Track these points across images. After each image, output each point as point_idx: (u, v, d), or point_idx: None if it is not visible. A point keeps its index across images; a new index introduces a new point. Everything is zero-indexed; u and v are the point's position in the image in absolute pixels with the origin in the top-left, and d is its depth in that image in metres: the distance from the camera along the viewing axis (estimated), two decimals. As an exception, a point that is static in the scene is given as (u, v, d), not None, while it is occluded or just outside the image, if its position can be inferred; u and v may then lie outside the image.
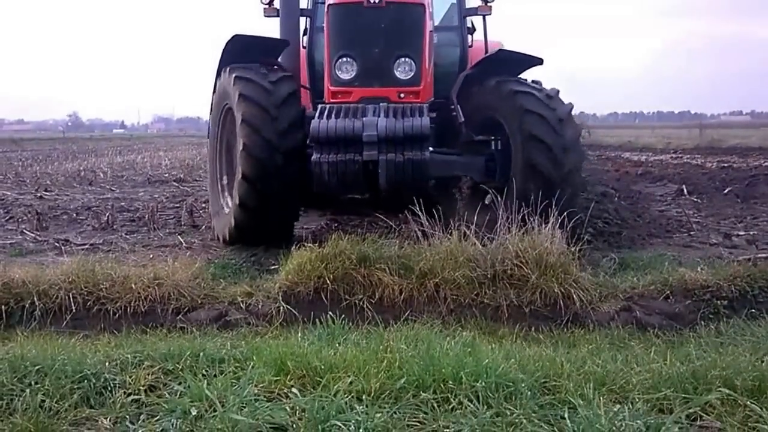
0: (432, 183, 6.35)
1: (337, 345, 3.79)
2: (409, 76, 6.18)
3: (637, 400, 2.96)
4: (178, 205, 9.89)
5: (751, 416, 2.82)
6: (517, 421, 2.78)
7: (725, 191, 10.60)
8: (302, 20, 7.27)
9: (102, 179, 14.59)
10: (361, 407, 2.89)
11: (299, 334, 4.15)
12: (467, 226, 5.12)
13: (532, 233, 5.05)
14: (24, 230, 7.75)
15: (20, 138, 49.99)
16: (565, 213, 5.26)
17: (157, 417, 2.92)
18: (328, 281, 4.88)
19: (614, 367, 3.40)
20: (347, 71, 6.22)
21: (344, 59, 6.20)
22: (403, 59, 6.15)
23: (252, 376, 3.23)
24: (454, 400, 3.00)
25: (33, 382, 3.14)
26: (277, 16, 6.81)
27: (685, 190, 10.67)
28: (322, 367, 3.28)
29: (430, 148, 5.79)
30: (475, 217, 5.40)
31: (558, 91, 6.58)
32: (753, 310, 4.67)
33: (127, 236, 7.36)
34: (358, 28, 6.14)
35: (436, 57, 6.88)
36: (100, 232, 7.71)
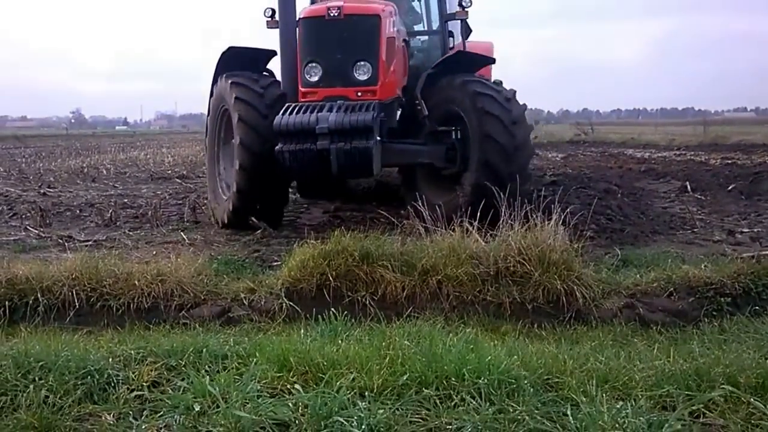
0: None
1: (339, 341, 3.80)
2: (366, 78, 6.88)
3: (639, 397, 2.96)
4: (180, 201, 9.90)
5: (754, 413, 2.81)
6: (519, 417, 2.78)
7: (729, 188, 10.57)
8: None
9: (105, 176, 14.60)
10: (363, 404, 2.89)
11: (302, 331, 4.16)
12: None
13: (535, 230, 5.05)
14: (27, 227, 7.76)
15: (23, 135, 50.04)
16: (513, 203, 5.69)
17: (161, 413, 2.93)
18: (330, 278, 4.89)
19: (617, 364, 3.40)
20: (314, 74, 6.96)
21: (311, 64, 6.96)
22: (360, 63, 6.87)
23: (255, 372, 3.23)
24: (456, 396, 3.00)
25: (37, 378, 3.15)
26: (278, 27, 7.43)
27: (688, 187, 10.64)
28: (325, 363, 3.29)
29: (378, 138, 6.52)
30: (440, 202, 6.37)
31: (515, 92, 7.37)
32: (756, 307, 4.67)
33: (130, 233, 7.37)
34: (322, 37, 6.95)
35: (418, 59, 7.90)
36: (103, 229, 7.73)
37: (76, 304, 4.77)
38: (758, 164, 14.72)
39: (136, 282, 4.85)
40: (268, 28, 7.63)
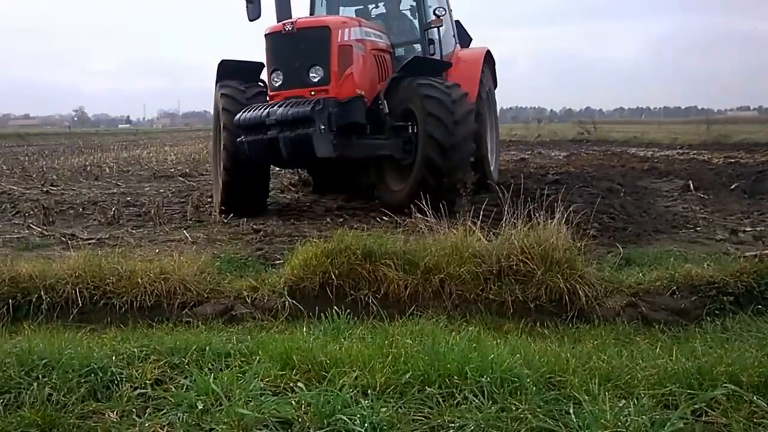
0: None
1: (342, 340, 3.81)
2: (318, 79, 7.99)
3: (642, 395, 2.96)
4: (183, 199, 9.91)
5: (756, 412, 2.81)
6: (522, 416, 2.79)
7: (732, 187, 10.54)
8: None
9: (108, 174, 14.62)
10: (366, 402, 2.90)
11: (305, 329, 4.17)
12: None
13: (538, 228, 5.05)
14: (30, 225, 7.77)
15: (26, 133, 50.06)
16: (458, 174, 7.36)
17: (164, 411, 2.94)
18: (333, 276, 4.89)
19: (619, 362, 3.40)
20: (277, 80, 8.21)
21: (275, 72, 8.25)
22: (314, 67, 8.00)
23: (258, 370, 3.24)
24: (459, 395, 3.00)
25: (40, 376, 3.17)
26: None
27: (691, 186, 10.61)
28: (328, 361, 3.29)
29: (322, 127, 7.48)
30: (396, 189, 7.99)
31: (465, 94, 8.41)
32: (759, 306, 4.65)
33: (133, 231, 7.38)
34: (282, 49, 8.16)
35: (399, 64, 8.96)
36: (106, 227, 7.74)
37: (80, 302, 4.78)
38: (761, 163, 14.69)
39: (139, 280, 4.86)
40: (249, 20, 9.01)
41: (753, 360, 3.27)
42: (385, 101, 8.25)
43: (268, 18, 9.15)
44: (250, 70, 8.86)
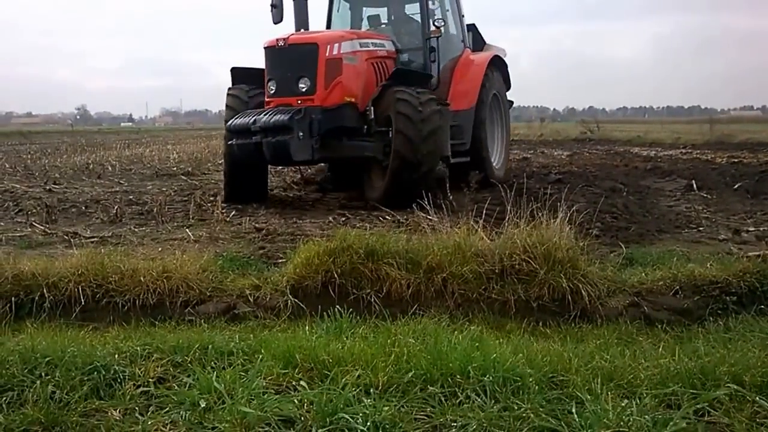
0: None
1: (344, 339, 3.81)
2: (305, 89, 8.84)
3: (644, 395, 2.95)
4: (186, 198, 9.91)
5: (759, 412, 2.81)
6: (524, 415, 2.79)
7: (735, 187, 10.52)
8: None
9: (110, 172, 14.63)
10: (368, 400, 2.90)
11: (307, 328, 4.16)
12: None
13: (540, 228, 5.05)
14: (33, 223, 7.78)
15: (29, 131, 50.13)
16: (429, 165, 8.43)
17: (167, 409, 2.94)
18: (335, 275, 4.89)
19: (622, 362, 3.40)
20: (271, 89, 9.10)
21: (270, 81, 9.14)
22: (303, 78, 8.86)
23: (260, 368, 3.24)
24: (461, 394, 3.00)
25: (43, 374, 3.17)
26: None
27: (694, 186, 10.60)
28: (330, 360, 3.29)
29: (301, 134, 8.36)
30: (378, 186, 8.91)
31: (433, 98, 9.06)
32: (762, 306, 4.64)
33: (136, 229, 7.38)
34: (275, 61, 9.10)
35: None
36: (108, 225, 7.74)
37: (82, 300, 4.79)
38: (764, 163, 14.67)
39: (142, 278, 4.86)
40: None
41: (756, 360, 3.26)
42: (372, 107, 9.09)
43: (289, 23, 10.23)
44: (260, 75, 9.44)
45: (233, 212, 8.38)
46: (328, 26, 11.08)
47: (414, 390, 3.04)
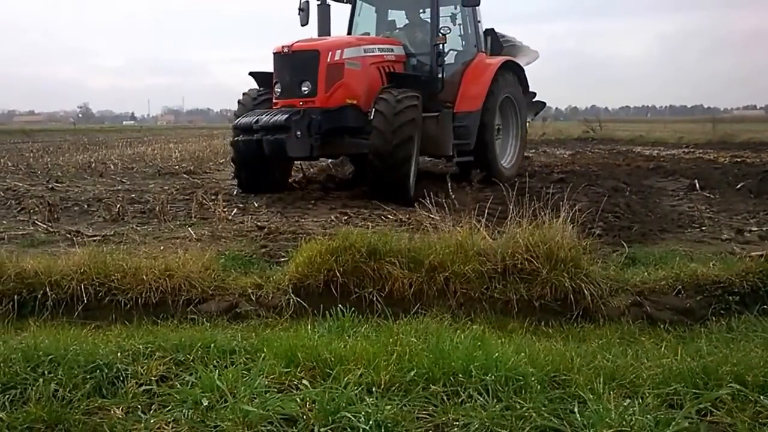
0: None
1: (347, 337, 3.81)
2: (307, 92, 9.57)
3: (647, 394, 2.96)
4: (188, 197, 9.91)
5: (761, 412, 2.81)
6: (526, 414, 2.79)
7: (738, 186, 10.50)
8: None
9: (112, 171, 14.63)
10: (371, 399, 2.90)
11: (309, 327, 4.16)
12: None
13: (543, 227, 5.05)
14: (35, 221, 7.79)
15: (31, 129, 50.19)
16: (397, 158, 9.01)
17: (169, 407, 2.95)
18: (338, 274, 4.89)
19: (624, 361, 3.40)
20: (278, 91, 9.86)
21: (277, 84, 9.90)
22: (305, 82, 9.59)
23: (262, 367, 3.25)
24: (463, 393, 3.00)
25: (46, 372, 3.17)
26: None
27: (697, 185, 10.58)
28: (332, 359, 3.30)
29: (299, 133, 9.03)
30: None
31: (408, 91, 9.65)
32: (765, 306, 4.64)
33: (138, 228, 7.38)
34: (281, 66, 9.86)
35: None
36: (111, 224, 7.75)
37: (85, 298, 4.79)
38: (767, 162, 14.64)
39: (144, 277, 4.87)
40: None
41: (758, 360, 3.26)
42: (372, 109, 9.61)
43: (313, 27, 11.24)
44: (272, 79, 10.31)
45: (235, 210, 8.39)
46: (350, 30, 11.99)
47: (416, 389, 3.04)
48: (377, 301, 4.82)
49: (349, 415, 2.75)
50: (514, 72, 12.02)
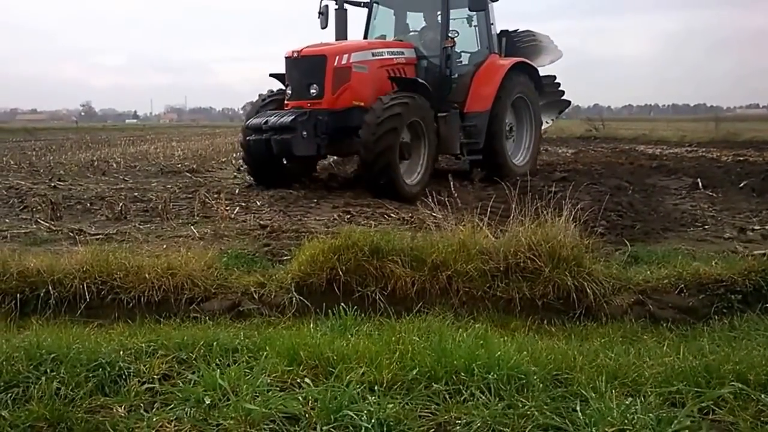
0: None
1: (349, 336, 3.81)
2: (314, 94, 10.15)
3: (649, 393, 2.95)
4: (191, 195, 9.91)
5: (763, 411, 2.81)
6: (528, 413, 2.79)
7: (741, 185, 10.50)
8: None
9: (115, 169, 14.64)
10: (373, 398, 2.90)
11: (312, 325, 4.17)
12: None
13: (545, 226, 5.05)
14: (38, 220, 7.79)
15: (34, 127, 50.27)
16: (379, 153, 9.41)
17: (171, 405, 2.95)
18: (340, 273, 4.90)
19: (627, 360, 3.40)
20: (288, 93, 10.53)
21: (288, 86, 10.60)
22: (312, 85, 10.18)
23: (265, 365, 3.25)
24: (466, 391, 3.00)
25: (49, 370, 3.18)
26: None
27: (700, 184, 10.57)
28: (335, 357, 3.30)
29: (305, 133, 9.60)
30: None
31: (401, 93, 10.10)
32: (767, 305, 4.64)
33: (141, 226, 7.39)
34: (291, 69, 10.52)
35: (426, 76, 11.10)
36: (113, 222, 7.75)
37: (87, 297, 4.80)
38: (770, 161, 14.61)
39: (147, 275, 4.87)
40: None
41: (760, 358, 3.26)
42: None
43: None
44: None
45: (237, 209, 8.40)
46: (366, 33, 12.43)
47: (418, 387, 3.04)
48: (380, 300, 4.82)
49: (351, 413, 2.75)
50: (526, 73, 12.30)
